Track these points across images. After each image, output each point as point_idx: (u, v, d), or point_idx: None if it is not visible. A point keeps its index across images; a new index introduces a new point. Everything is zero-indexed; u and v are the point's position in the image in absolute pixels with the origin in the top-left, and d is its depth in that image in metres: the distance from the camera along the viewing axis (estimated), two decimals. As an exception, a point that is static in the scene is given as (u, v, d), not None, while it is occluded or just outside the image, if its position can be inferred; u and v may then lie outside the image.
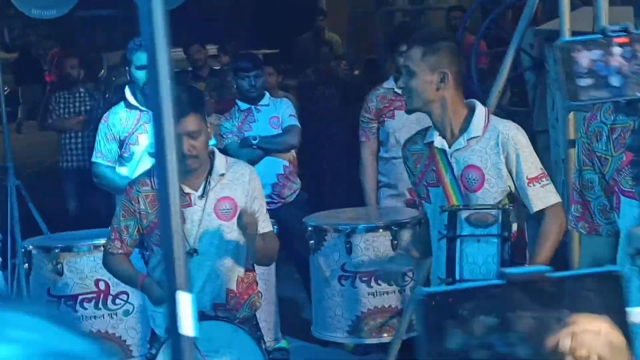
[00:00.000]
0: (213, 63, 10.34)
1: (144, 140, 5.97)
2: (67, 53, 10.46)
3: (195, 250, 4.41)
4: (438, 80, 3.99)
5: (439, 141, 4.16)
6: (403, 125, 6.08)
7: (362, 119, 6.44)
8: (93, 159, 6.14)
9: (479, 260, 3.97)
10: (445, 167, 4.22)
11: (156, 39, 1.17)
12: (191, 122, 4.24)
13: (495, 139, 4.06)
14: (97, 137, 6.15)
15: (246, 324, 4.48)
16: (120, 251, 4.51)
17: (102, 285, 5.50)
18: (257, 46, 11.47)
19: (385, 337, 5.64)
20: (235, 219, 4.46)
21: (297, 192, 6.70)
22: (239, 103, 6.65)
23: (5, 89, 8.94)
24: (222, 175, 4.46)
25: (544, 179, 4.05)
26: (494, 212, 4.02)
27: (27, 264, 5.71)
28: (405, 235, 5.72)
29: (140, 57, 5.80)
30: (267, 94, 6.75)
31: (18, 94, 13.62)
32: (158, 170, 1.21)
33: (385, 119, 6.31)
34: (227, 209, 4.49)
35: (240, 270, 4.59)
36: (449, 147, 4.15)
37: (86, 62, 10.38)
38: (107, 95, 9.65)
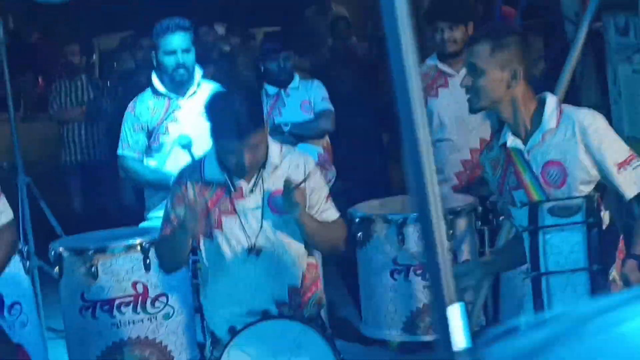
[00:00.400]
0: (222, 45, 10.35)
1: (174, 130, 5.77)
2: (53, 40, 10.53)
3: (255, 248, 4.34)
4: (509, 78, 3.89)
5: (512, 141, 4.05)
6: (448, 104, 6.02)
7: None
8: (119, 152, 5.96)
9: (565, 250, 3.86)
10: (524, 166, 4.08)
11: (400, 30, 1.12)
12: (253, 138, 4.19)
13: (571, 129, 3.93)
14: (122, 128, 5.97)
15: (312, 323, 4.41)
16: None
17: (140, 288, 5.35)
18: (256, 24, 11.37)
19: None
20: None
21: (332, 181, 6.52)
22: (267, 87, 6.53)
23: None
24: (276, 167, 4.38)
25: (634, 161, 3.89)
26: (577, 200, 3.92)
27: (57, 267, 5.51)
28: (461, 224, 5.66)
29: (169, 42, 5.69)
30: (297, 76, 6.62)
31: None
32: (417, 189, 1.20)
33: (429, 98, 6.10)
34: (282, 203, 4.41)
35: (303, 267, 4.54)
36: (524, 145, 4.04)
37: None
38: (108, 83, 9.58)
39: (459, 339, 1.09)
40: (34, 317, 5.82)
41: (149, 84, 6.06)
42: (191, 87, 5.92)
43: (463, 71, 5.75)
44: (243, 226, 4.39)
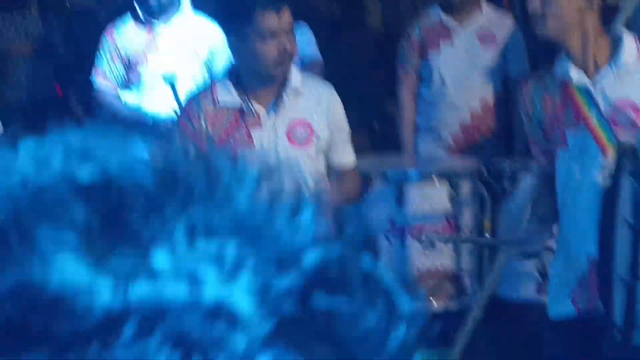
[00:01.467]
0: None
1: (155, 61, 5.70)
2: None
3: None
4: (584, 3, 3.72)
5: (577, 76, 3.85)
6: (450, 61, 5.95)
7: (402, 51, 6.17)
8: (93, 79, 5.89)
9: None
10: (589, 105, 3.89)
11: None
12: (287, 16, 4.16)
13: None
14: (99, 53, 5.88)
15: None
16: None
17: None
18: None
19: (437, 304, 5.39)
20: (312, 146, 4.38)
21: None
22: None
23: None
24: (298, 91, 4.25)
25: None
26: None
27: None
28: (465, 188, 5.46)
29: None
30: None
31: None
32: None
33: (430, 52, 6.05)
34: (302, 134, 4.33)
35: None
36: (591, 82, 3.87)
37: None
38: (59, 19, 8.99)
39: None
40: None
41: (129, 8, 5.95)
42: (175, 13, 5.83)
43: (469, 25, 6.17)
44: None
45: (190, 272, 0.52)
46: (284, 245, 0.53)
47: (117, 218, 0.55)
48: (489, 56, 6.31)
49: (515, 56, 6.46)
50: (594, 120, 3.91)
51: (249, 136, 4.29)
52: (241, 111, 4.26)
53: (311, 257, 0.51)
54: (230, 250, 0.52)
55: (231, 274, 0.52)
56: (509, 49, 6.42)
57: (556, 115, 3.83)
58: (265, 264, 0.52)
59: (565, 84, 3.75)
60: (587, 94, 3.92)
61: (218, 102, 4.31)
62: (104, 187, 0.57)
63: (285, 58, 4.17)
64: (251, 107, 4.21)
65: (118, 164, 0.60)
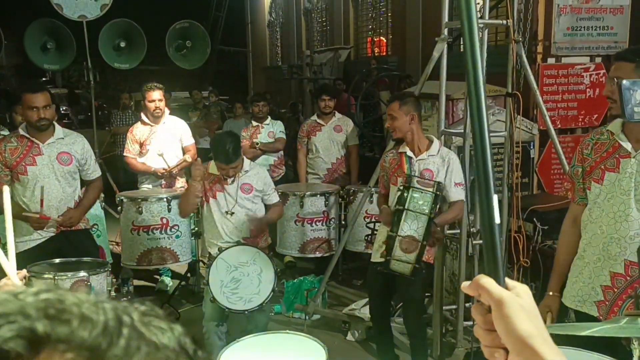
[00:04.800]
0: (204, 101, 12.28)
1: (154, 143, 7.07)
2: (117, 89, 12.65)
3: (231, 211, 5.18)
4: None
5: (408, 152, 4.84)
6: (320, 139, 7.69)
7: (299, 134, 7.90)
8: (125, 154, 7.28)
9: None
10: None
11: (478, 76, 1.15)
12: (235, 163, 5.05)
13: None
14: (127, 141, 7.25)
15: (263, 250, 5.19)
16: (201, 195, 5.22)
17: (164, 220, 6.43)
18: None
19: (318, 253, 6.99)
20: (253, 193, 5.20)
21: (282, 175, 8.42)
22: (252, 121, 8.41)
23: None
24: (247, 171, 5.21)
25: None
26: None
27: (120, 207, 6.57)
28: (332, 199, 6.97)
29: (151, 94, 7.01)
30: (269, 117, 8.42)
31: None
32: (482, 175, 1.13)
33: (311, 136, 7.73)
34: (247, 189, 5.18)
35: None
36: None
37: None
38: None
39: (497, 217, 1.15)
40: (104, 232, 7.06)
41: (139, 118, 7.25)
42: (162, 120, 7.11)
43: (329, 122, 7.71)
44: (226, 199, 5.15)
45: None
46: None
47: None
48: (339, 137, 7.91)
49: (351, 136, 8.02)
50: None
51: (223, 188, 5.10)
52: (219, 177, 5.09)
53: None
54: None
55: None
56: (349, 133, 8.00)
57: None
58: None
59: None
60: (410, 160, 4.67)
61: (209, 171, 5.12)
62: None
63: (234, 174, 5.06)
64: (225, 175, 5.04)
65: None
